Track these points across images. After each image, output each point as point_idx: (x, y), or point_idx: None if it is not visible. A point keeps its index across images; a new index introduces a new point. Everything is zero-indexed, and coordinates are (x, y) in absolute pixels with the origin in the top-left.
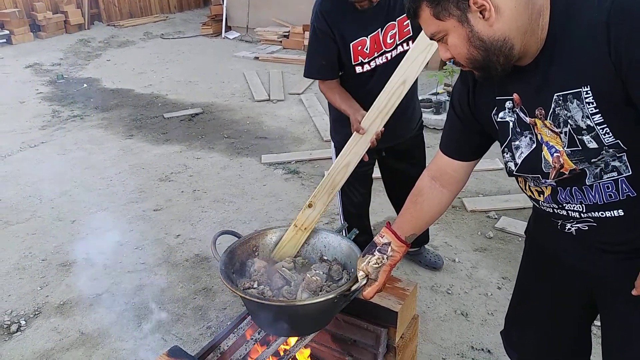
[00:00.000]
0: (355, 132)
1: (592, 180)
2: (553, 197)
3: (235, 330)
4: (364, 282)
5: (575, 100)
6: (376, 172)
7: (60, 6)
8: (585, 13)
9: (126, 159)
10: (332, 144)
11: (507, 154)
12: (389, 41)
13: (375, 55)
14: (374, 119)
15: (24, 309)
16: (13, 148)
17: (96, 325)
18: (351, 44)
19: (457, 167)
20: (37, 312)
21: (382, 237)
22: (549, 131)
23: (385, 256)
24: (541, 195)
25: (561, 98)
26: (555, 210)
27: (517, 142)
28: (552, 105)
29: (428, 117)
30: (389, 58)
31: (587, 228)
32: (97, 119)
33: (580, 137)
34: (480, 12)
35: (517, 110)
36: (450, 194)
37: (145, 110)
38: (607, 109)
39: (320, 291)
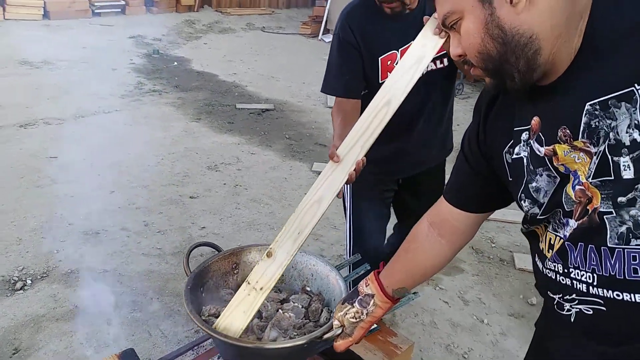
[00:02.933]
0: (330, 159)
1: (616, 241)
2: (562, 254)
3: (196, 347)
4: (338, 332)
5: (622, 103)
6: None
7: None
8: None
9: (185, 141)
10: None
11: (526, 200)
12: None
13: None
14: (352, 145)
15: (35, 269)
16: (89, 111)
17: (92, 301)
18: (380, 58)
19: (458, 217)
20: (44, 275)
21: (366, 286)
22: (581, 154)
23: (365, 311)
24: (550, 251)
25: (598, 105)
26: (558, 276)
27: (534, 184)
28: (584, 119)
29: None
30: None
31: (590, 312)
32: (174, 97)
33: (616, 158)
34: None
35: (531, 141)
36: (450, 246)
37: (220, 97)
38: None
39: (293, 329)
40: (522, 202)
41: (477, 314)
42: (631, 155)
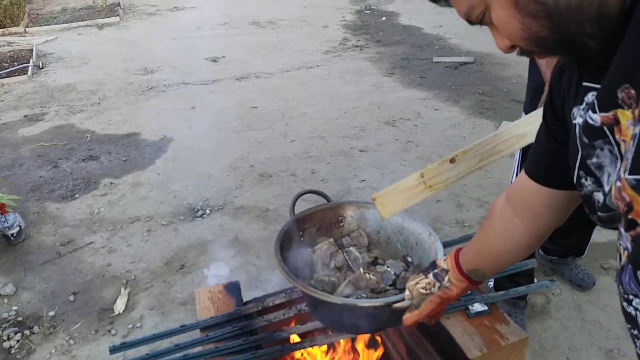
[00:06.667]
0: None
1: None
2: (621, 274)
3: (288, 291)
4: (407, 303)
5: None
6: None
7: None
8: None
9: (371, 96)
10: None
11: (586, 179)
12: None
13: None
14: None
15: (215, 201)
16: (294, 66)
17: (249, 235)
18: None
19: (532, 191)
20: (220, 207)
21: (444, 261)
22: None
23: (438, 284)
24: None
25: None
26: (623, 303)
27: (594, 159)
28: None
29: None
30: None
31: None
32: (373, 52)
33: None
34: None
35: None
36: (525, 229)
37: (419, 50)
38: None
39: (371, 292)
40: (583, 179)
41: None
42: None
